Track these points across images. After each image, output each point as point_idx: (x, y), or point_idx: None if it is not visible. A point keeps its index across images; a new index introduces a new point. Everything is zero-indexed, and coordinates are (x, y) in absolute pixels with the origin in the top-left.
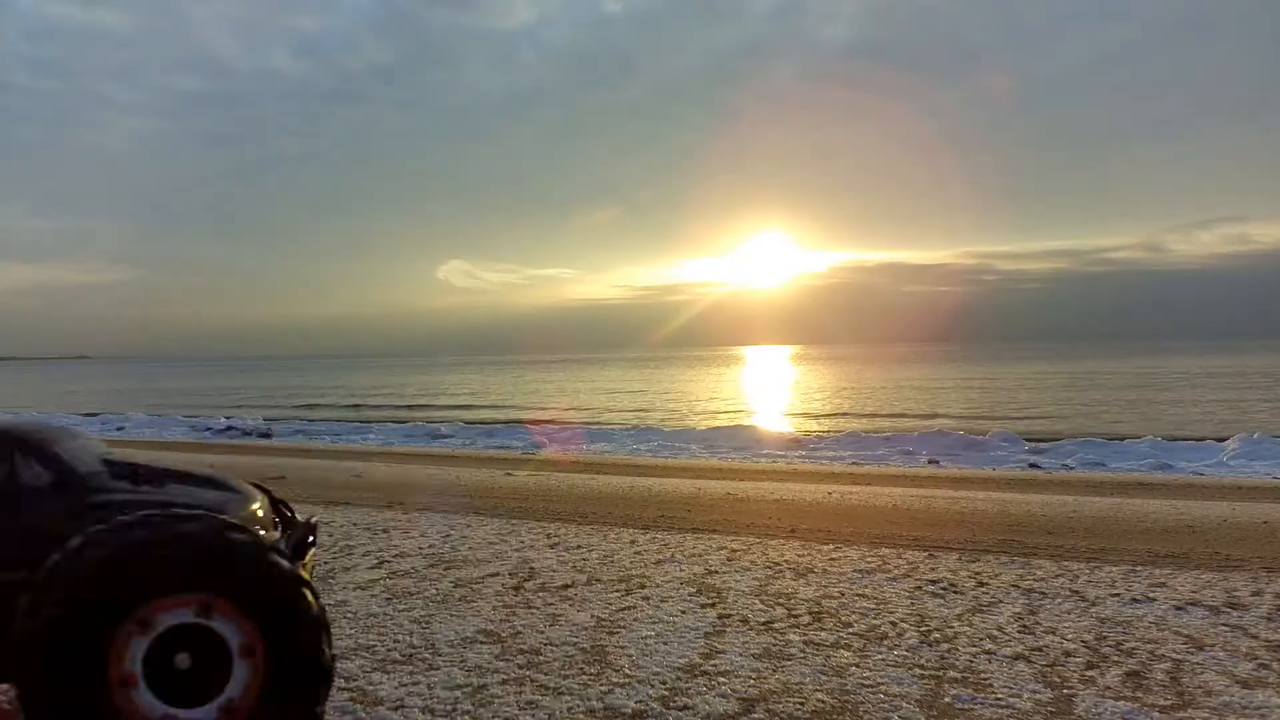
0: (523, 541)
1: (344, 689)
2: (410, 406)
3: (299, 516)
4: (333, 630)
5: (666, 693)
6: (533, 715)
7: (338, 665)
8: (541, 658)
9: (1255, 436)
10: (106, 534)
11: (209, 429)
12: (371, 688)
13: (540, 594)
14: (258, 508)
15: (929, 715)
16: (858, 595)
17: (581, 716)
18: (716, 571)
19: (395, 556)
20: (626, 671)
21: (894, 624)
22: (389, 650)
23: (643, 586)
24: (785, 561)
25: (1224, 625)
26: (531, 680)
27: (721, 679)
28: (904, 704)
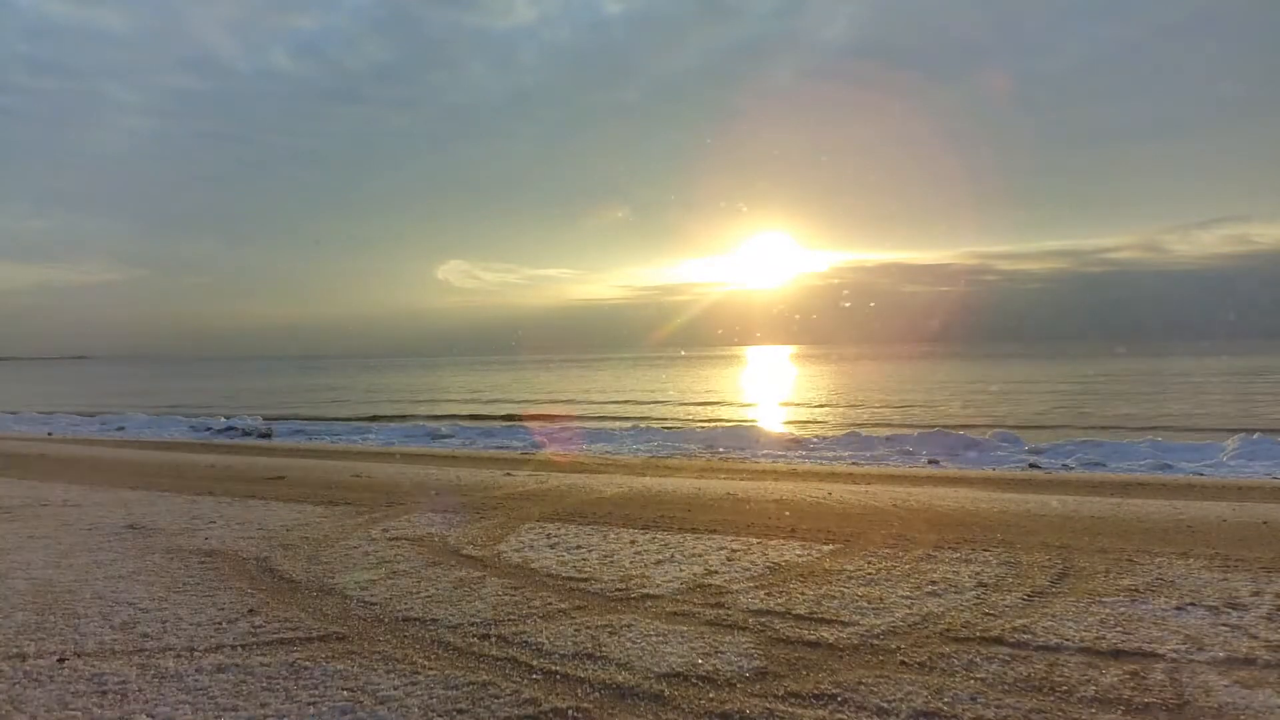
0: (522, 541)
1: (343, 688)
2: (411, 407)
3: None
4: (332, 631)
5: (664, 691)
6: (531, 713)
7: (336, 665)
8: (542, 656)
9: (1255, 436)
10: None
11: (209, 429)
12: (371, 686)
13: (540, 593)
14: None
15: (928, 715)
16: (858, 595)
17: (580, 715)
18: (716, 571)
19: (394, 556)
20: (626, 671)
21: (894, 625)
22: (388, 649)
23: (643, 587)
24: (785, 562)
25: (1224, 625)
26: (531, 679)
27: (720, 679)
28: (903, 705)
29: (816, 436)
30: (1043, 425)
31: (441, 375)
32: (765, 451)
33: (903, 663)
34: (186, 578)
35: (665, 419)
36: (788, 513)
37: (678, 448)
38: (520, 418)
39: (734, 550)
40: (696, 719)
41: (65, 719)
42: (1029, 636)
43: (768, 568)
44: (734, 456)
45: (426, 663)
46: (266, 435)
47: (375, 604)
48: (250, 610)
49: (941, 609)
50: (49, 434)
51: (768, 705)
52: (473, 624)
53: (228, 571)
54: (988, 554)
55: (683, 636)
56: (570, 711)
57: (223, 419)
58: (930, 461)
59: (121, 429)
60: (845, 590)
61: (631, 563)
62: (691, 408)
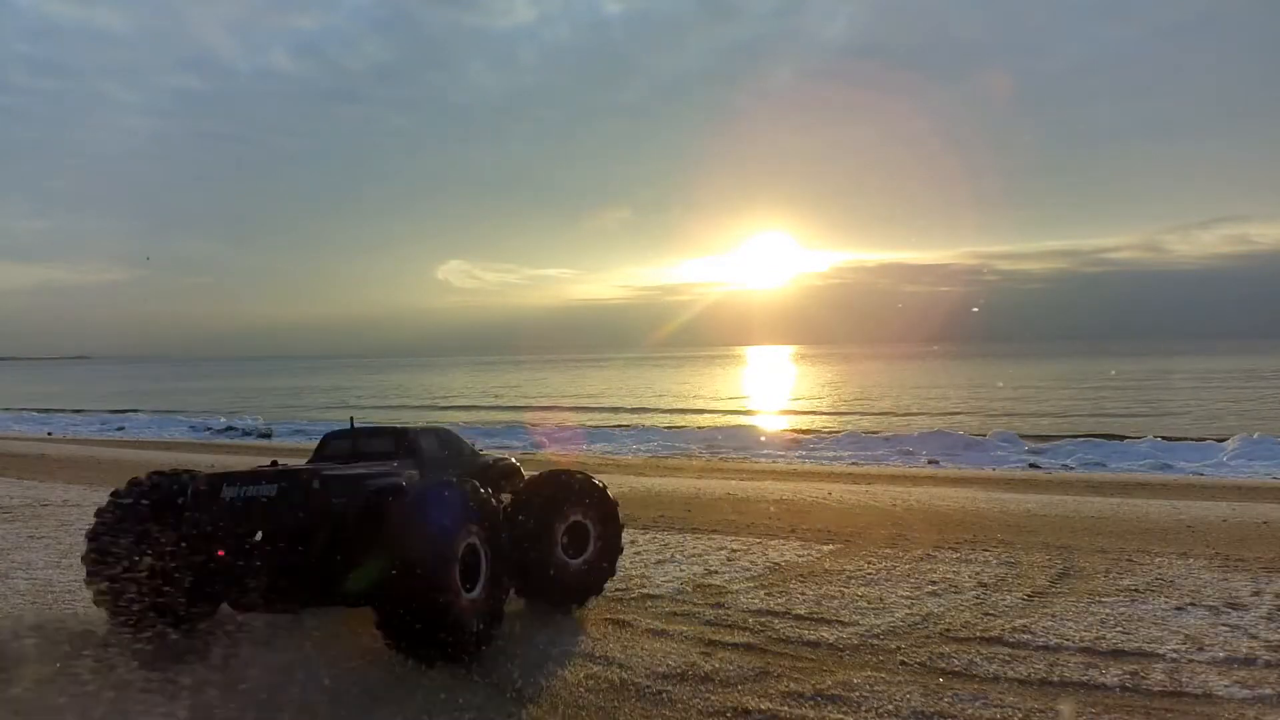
0: None
1: (342, 687)
2: (411, 407)
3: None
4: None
5: (665, 691)
6: (532, 714)
7: (338, 665)
8: (543, 656)
9: (1255, 436)
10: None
11: (209, 429)
12: (371, 687)
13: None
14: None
15: (928, 715)
16: (857, 595)
17: (580, 715)
18: (716, 571)
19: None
20: (626, 670)
21: (894, 625)
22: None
23: (642, 587)
24: (785, 562)
25: (1224, 625)
26: (531, 681)
27: (720, 678)
28: (903, 705)
29: (816, 436)
30: (1043, 425)
31: (442, 375)
32: (765, 451)
33: (903, 663)
34: None
35: (665, 419)
36: (788, 513)
37: (678, 448)
38: (521, 417)
39: (734, 550)
40: (697, 719)
41: (65, 718)
42: (1029, 636)
43: (768, 568)
44: (734, 456)
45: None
46: (266, 435)
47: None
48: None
49: (941, 609)
50: (49, 434)
51: (768, 705)
52: None
53: None
54: (988, 554)
55: (683, 636)
56: (571, 713)
57: (222, 419)
58: (930, 461)
59: (121, 429)
60: (845, 590)
61: (631, 563)
62: (691, 408)
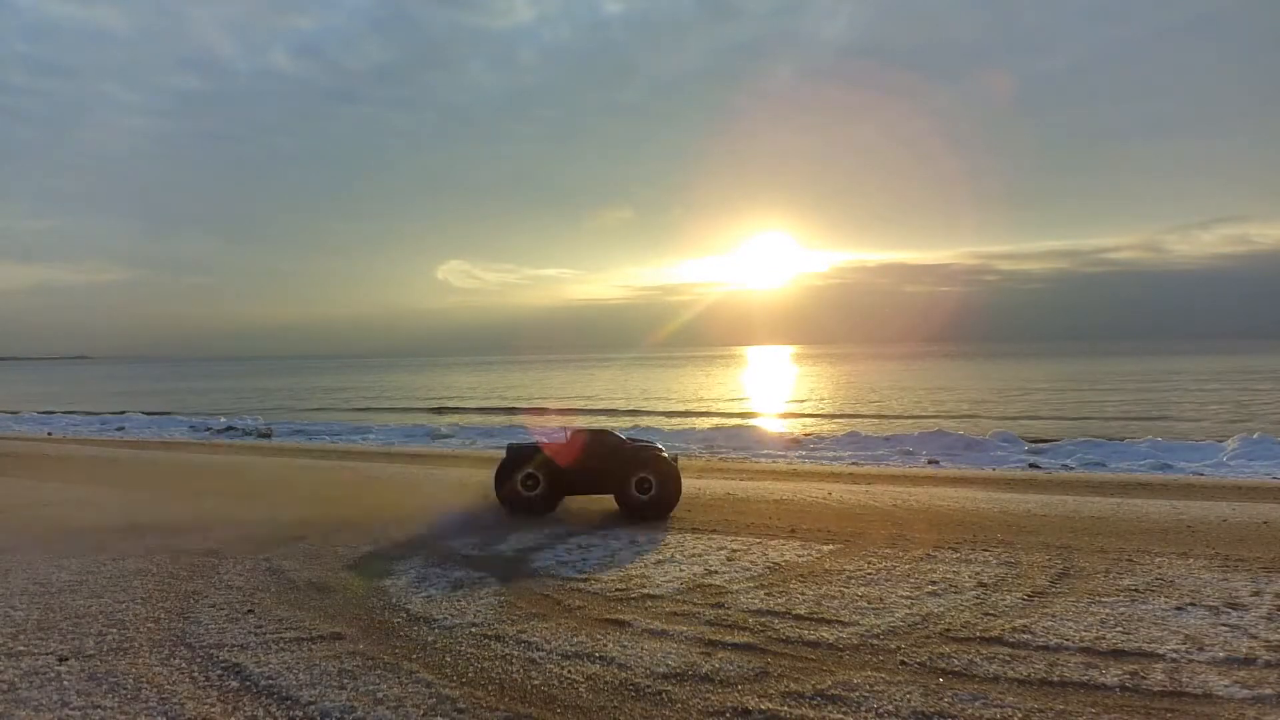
0: (523, 542)
1: (342, 688)
2: (411, 408)
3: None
4: (331, 632)
5: (665, 690)
6: (531, 714)
7: (334, 665)
8: (542, 656)
9: (1255, 436)
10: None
11: (209, 429)
12: (369, 687)
13: (540, 593)
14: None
15: (928, 715)
16: (857, 595)
17: (580, 716)
18: (716, 571)
19: (394, 556)
20: (626, 671)
21: (894, 625)
22: (386, 650)
23: (643, 587)
24: (785, 562)
25: (1224, 625)
26: (530, 682)
27: (720, 678)
28: (904, 705)
29: (816, 436)
30: (1043, 425)
31: (442, 375)
32: (765, 451)
33: (903, 663)
34: (186, 578)
35: (665, 419)
36: (788, 513)
37: (677, 448)
38: (521, 419)
39: (734, 550)
40: (697, 718)
41: (66, 718)
42: (1029, 637)
43: (768, 567)
44: (734, 456)
45: (424, 664)
46: (266, 435)
47: (374, 604)
48: (249, 610)
49: (941, 609)
50: (49, 434)
51: (768, 705)
52: (472, 625)
53: (228, 571)
54: (988, 554)
55: (683, 636)
56: (571, 713)
57: (222, 419)
58: (930, 461)
59: (121, 429)
60: (845, 590)
61: (631, 563)
62: (692, 408)
